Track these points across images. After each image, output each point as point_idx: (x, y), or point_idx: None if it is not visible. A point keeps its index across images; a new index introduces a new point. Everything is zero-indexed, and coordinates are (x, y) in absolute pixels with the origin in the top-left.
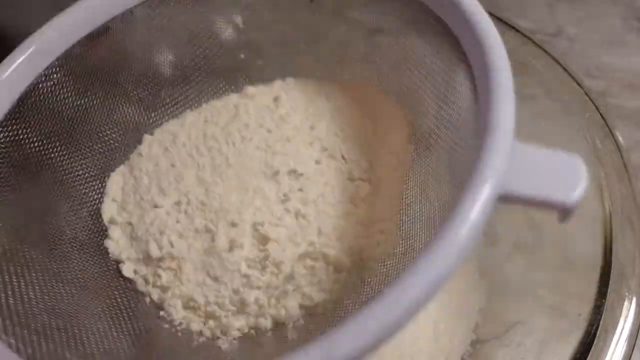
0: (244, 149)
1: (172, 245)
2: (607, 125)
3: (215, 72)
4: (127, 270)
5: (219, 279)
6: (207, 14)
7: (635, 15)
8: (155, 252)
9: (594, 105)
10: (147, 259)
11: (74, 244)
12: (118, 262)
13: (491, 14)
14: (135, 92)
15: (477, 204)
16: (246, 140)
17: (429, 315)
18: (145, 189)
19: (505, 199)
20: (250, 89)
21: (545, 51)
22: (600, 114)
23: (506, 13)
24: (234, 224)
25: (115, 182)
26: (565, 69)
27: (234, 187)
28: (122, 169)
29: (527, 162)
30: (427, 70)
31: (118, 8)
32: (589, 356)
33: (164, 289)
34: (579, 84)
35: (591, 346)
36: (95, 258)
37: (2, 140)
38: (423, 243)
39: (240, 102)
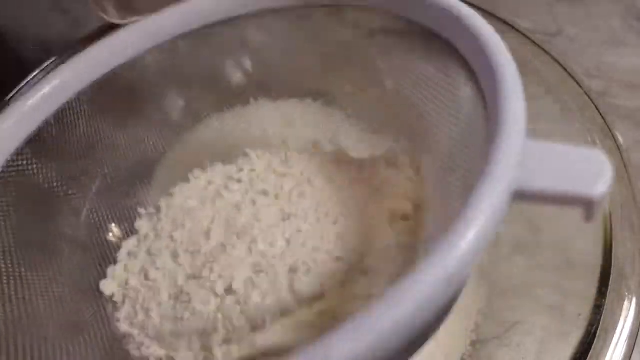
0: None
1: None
2: (607, 125)
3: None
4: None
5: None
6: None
7: (635, 15)
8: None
9: (594, 105)
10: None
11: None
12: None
13: (491, 14)
14: (145, 136)
15: (488, 200)
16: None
17: None
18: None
19: (523, 197)
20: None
21: (545, 51)
22: (600, 114)
23: (506, 13)
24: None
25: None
26: (565, 69)
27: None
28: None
29: (545, 158)
30: (432, 83)
31: (128, 54)
32: (588, 356)
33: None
34: (578, 84)
35: (591, 346)
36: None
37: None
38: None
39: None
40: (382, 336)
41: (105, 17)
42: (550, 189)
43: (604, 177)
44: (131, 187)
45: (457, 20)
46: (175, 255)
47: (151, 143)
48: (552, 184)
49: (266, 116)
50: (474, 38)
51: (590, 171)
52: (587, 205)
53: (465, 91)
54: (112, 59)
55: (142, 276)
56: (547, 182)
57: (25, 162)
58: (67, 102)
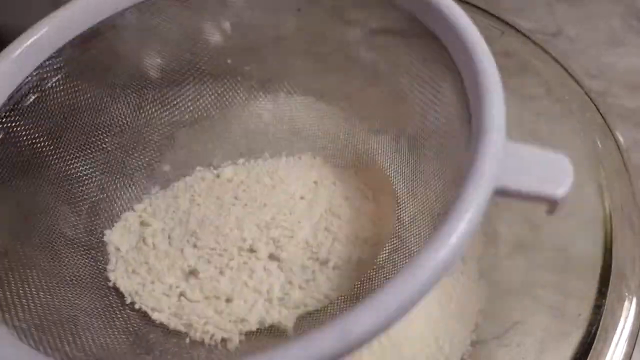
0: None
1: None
2: (607, 125)
3: (203, 76)
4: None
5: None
6: (196, 18)
7: (635, 15)
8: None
9: (594, 105)
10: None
11: (70, 244)
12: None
13: (491, 14)
14: (123, 94)
15: (477, 195)
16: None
17: (429, 315)
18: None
19: (500, 193)
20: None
21: (545, 51)
22: (601, 114)
23: (506, 13)
24: None
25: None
26: (565, 69)
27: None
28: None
29: (519, 159)
30: (415, 78)
31: (108, 11)
32: (589, 356)
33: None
34: (579, 84)
35: (591, 346)
36: (90, 259)
37: None
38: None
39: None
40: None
41: None
42: (523, 189)
43: (566, 180)
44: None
45: (445, 19)
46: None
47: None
48: (524, 185)
49: (266, 116)
50: (459, 39)
51: (555, 174)
52: (551, 204)
53: (453, 92)
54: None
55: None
56: (520, 183)
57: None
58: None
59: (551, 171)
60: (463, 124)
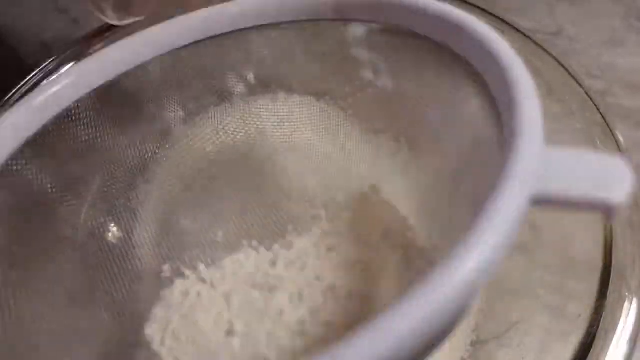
0: None
1: None
2: (608, 125)
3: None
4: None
5: None
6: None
7: (635, 15)
8: None
9: (594, 105)
10: None
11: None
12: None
13: (491, 14)
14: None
15: (508, 205)
16: None
17: None
18: None
19: (542, 202)
20: None
21: (545, 51)
22: (601, 114)
23: (506, 13)
24: None
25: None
26: (565, 69)
27: None
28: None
29: (565, 165)
30: (433, 84)
31: (131, 63)
32: (588, 357)
33: None
34: (579, 84)
35: (591, 347)
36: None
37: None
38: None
39: None
40: (399, 341)
41: (103, 18)
42: (570, 195)
43: (623, 184)
44: (131, 189)
45: (465, 34)
46: None
47: (151, 146)
48: (571, 190)
49: (265, 116)
50: (482, 48)
51: (610, 178)
52: (607, 211)
53: (471, 94)
54: (115, 67)
55: None
56: (567, 188)
57: (23, 165)
58: (68, 108)
59: (605, 175)
60: (490, 129)
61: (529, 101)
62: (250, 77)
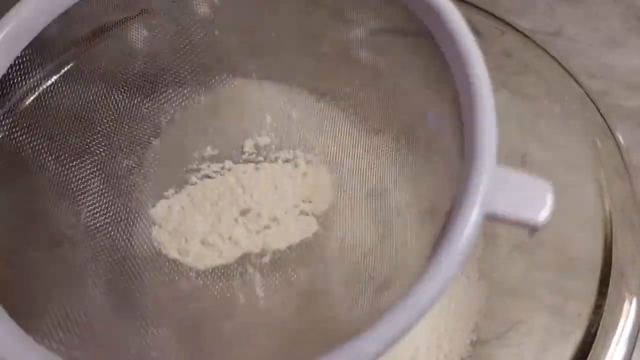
0: None
1: None
2: (608, 126)
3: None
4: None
5: None
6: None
7: (635, 15)
8: None
9: (594, 105)
10: None
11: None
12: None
13: (491, 14)
14: (106, 79)
15: (469, 224)
16: None
17: (429, 315)
18: None
19: (489, 219)
20: None
21: (545, 51)
22: (601, 114)
23: (506, 13)
24: None
25: None
26: (565, 69)
27: None
28: None
29: (506, 185)
30: (416, 77)
31: None
32: (588, 356)
33: None
34: (579, 84)
35: (591, 346)
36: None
37: None
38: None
39: None
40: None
41: None
42: (507, 215)
43: (547, 206)
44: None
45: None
46: None
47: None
48: (508, 211)
49: (265, 117)
50: (457, 53)
51: (537, 201)
52: (532, 228)
53: (449, 97)
54: None
55: None
56: (506, 209)
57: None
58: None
59: (533, 197)
60: (456, 131)
61: (488, 123)
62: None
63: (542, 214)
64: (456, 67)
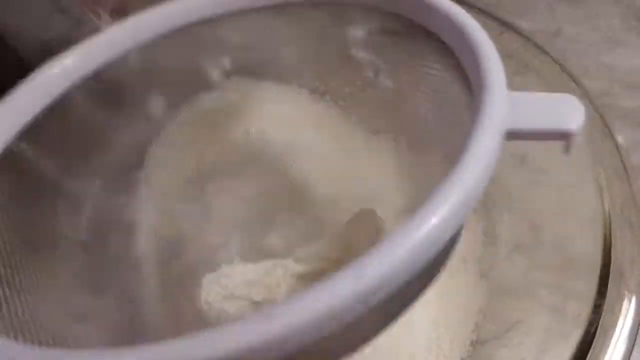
0: None
1: None
2: (607, 126)
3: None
4: None
5: None
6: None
7: (635, 15)
8: None
9: (594, 105)
10: None
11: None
12: None
13: (491, 14)
14: (105, 79)
15: (487, 139)
16: None
17: (428, 315)
18: None
19: (512, 137)
20: None
21: (545, 51)
22: (600, 114)
23: (506, 13)
24: None
25: None
26: (565, 69)
27: None
28: None
29: (526, 104)
30: (433, 84)
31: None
32: (588, 356)
33: None
34: (578, 84)
35: (591, 346)
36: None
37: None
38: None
39: None
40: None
41: (97, 22)
42: (535, 127)
43: (579, 114)
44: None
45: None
46: None
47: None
48: (535, 124)
49: (265, 117)
50: (452, 25)
51: (566, 111)
52: (567, 139)
53: (459, 88)
54: (98, 57)
55: None
56: (531, 123)
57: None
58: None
59: (561, 109)
60: (465, 114)
61: (491, 56)
62: (250, 76)
63: (574, 121)
64: (468, 62)
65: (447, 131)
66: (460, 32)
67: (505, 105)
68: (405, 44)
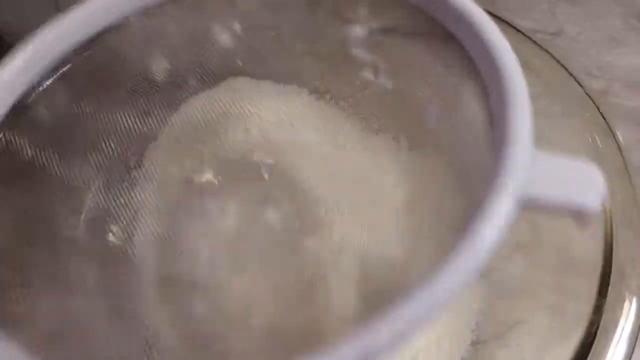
0: None
1: None
2: (608, 125)
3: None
4: None
5: None
6: (205, 20)
7: (635, 15)
8: None
9: (595, 104)
10: None
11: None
12: None
13: (491, 14)
14: (130, 100)
15: (501, 207)
16: None
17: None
18: None
19: (526, 205)
20: None
21: (545, 51)
22: (601, 114)
23: (506, 13)
24: None
25: None
26: (565, 69)
27: None
28: None
29: (547, 170)
30: (434, 84)
31: (113, 16)
32: (589, 356)
33: None
34: (579, 84)
35: (591, 346)
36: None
37: None
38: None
39: None
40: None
41: None
42: (551, 201)
43: (598, 192)
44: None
45: (467, 23)
46: None
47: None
48: (551, 197)
49: (265, 117)
50: (481, 41)
51: (585, 185)
52: (582, 218)
53: (468, 91)
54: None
55: None
56: (548, 195)
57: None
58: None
59: (581, 183)
60: (477, 125)
61: (521, 103)
62: (249, 75)
63: (593, 199)
64: (483, 62)
65: (448, 131)
66: (483, 44)
67: (525, 173)
68: (409, 43)
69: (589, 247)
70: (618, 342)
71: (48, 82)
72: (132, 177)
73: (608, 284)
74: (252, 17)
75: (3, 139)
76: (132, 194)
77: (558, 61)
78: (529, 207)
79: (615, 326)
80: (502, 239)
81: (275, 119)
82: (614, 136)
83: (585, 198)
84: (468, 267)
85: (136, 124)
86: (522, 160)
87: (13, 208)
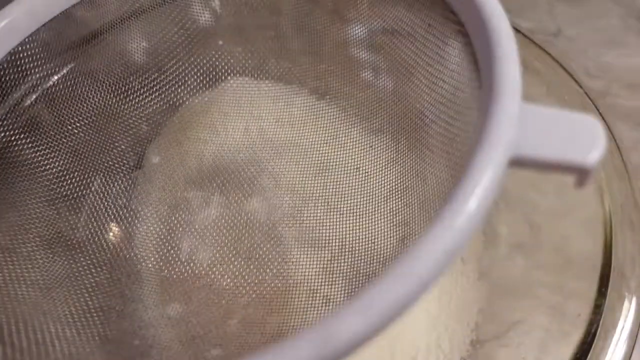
0: None
1: None
2: (607, 125)
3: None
4: None
5: None
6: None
7: (635, 15)
8: None
9: (594, 105)
10: None
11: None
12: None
13: None
14: (130, 100)
15: (489, 167)
16: None
17: (428, 315)
18: None
19: (517, 163)
20: None
21: (545, 51)
22: (600, 114)
23: (506, 13)
24: None
25: None
26: (565, 69)
27: None
28: None
29: (538, 123)
30: (418, 43)
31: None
32: (588, 356)
33: None
34: (578, 84)
35: (591, 346)
36: (64, 258)
37: None
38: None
39: None
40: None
41: None
42: (546, 156)
43: (598, 145)
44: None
45: None
46: None
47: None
48: (547, 151)
49: (265, 117)
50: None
51: (584, 138)
52: (580, 173)
53: (455, 47)
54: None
55: None
56: (542, 149)
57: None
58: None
59: (578, 136)
60: (472, 114)
61: (509, 56)
62: (249, 75)
63: (592, 154)
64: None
65: (448, 131)
66: (481, 21)
67: (514, 128)
68: (407, 44)
69: (589, 247)
70: (617, 341)
71: (48, 82)
72: (132, 177)
73: (608, 284)
74: (252, 17)
75: (3, 139)
76: (132, 194)
77: (557, 61)
78: (522, 164)
79: (615, 326)
80: (493, 197)
81: (275, 119)
82: (614, 136)
83: (584, 152)
84: (460, 226)
85: (136, 124)
86: (510, 110)
87: (13, 207)
